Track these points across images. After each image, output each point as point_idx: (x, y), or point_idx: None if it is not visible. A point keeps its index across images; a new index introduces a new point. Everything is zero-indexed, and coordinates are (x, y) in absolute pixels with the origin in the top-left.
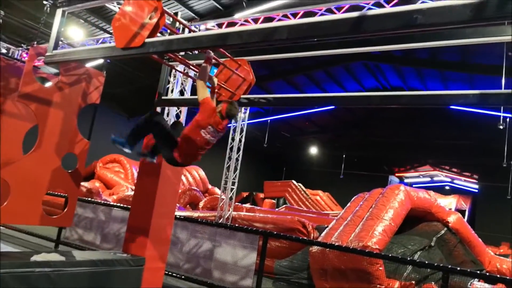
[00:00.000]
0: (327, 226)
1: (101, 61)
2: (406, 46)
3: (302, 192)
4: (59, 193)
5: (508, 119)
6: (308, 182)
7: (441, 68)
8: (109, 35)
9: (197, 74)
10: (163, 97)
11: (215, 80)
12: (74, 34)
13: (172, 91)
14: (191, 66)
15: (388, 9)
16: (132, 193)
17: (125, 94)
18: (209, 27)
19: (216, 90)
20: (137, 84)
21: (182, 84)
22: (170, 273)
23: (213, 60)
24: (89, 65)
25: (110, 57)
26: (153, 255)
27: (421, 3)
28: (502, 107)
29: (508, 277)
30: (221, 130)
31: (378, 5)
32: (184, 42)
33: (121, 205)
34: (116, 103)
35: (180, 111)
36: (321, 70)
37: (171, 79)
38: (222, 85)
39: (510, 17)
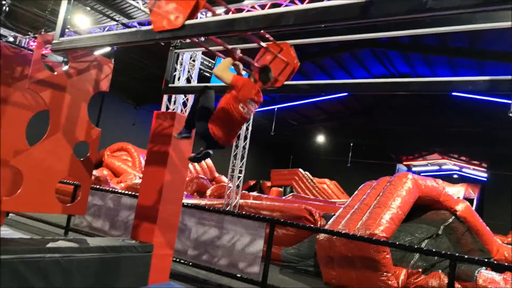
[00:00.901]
0: (334, 214)
1: (107, 49)
2: (414, 32)
3: (309, 181)
4: (66, 181)
5: None
6: (315, 170)
7: (450, 55)
8: (115, 23)
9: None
10: (170, 85)
11: (240, 66)
12: (80, 22)
13: (179, 78)
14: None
15: None
16: (140, 181)
17: (132, 82)
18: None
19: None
20: (144, 72)
21: (188, 71)
22: (178, 260)
23: (239, 55)
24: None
25: (132, 43)
26: (161, 242)
27: None
28: None
29: None
30: (259, 99)
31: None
32: (191, 28)
33: (129, 192)
34: (123, 91)
35: (187, 99)
36: (328, 57)
37: (178, 66)
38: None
39: None
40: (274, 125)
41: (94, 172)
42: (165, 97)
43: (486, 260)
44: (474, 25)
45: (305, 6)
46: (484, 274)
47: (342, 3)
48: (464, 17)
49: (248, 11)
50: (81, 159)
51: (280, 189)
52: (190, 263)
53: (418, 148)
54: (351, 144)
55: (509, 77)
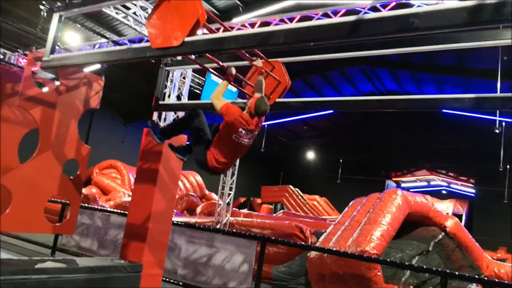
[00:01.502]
0: (325, 231)
1: (98, 66)
2: (402, 50)
3: (300, 197)
4: (54, 199)
5: (504, 123)
6: (306, 187)
7: (437, 72)
8: (106, 40)
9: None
10: (160, 102)
11: (233, 69)
12: (70, 39)
13: (169, 96)
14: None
15: (384, 13)
16: (129, 199)
17: (121, 99)
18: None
19: (249, 94)
20: (134, 89)
21: (179, 89)
22: (167, 279)
23: (234, 75)
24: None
25: (123, 61)
26: (150, 261)
27: (417, 7)
28: (498, 111)
29: (506, 282)
30: (255, 129)
31: (375, 9)
32: (181, 46)
33: (118, 211)
34: (113, 108)
35: (178, 116)
36: (317, 75)
37: (168, 83)
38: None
39: (506, 20)
40: (264, 141)
41: (83, 190)
42: (155, 114)
43: (476, 276)
44: (459, 43)
45: (295, 25)
46: None
47: (331, 22)
48: (450, 36)
49: (238, 29)
50: (71, 177)
51: (271, 206)
52: (180, 283)
53: (407, 164)
54: (341, 160)
55: (494, 94)
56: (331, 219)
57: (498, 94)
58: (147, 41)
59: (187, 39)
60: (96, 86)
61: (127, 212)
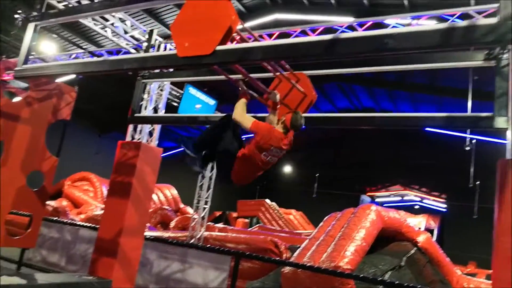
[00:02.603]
0: (300, 246)
1: (72, 76)
2: (377, 69)
3: (275, 211)
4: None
5: (474, 141)
6: (282, 201)
7: (411, 90)
8: (82, 51)
9: (272, 94)
10: (136, 115)
11: (277, 96)
12: (46, 48)
13: (145, 108)
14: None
15: (360, 32)
16: (101, 212)
17: (97, 110)
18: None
19: (277, 106)
20: (109, 100)
21: (156, 101)
22: None
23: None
24: (60, 80)
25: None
26: (120, 277)
27: (392, 27)
28: (468, 129)
29: None
30: (286, 146)
31: (351, 28)
32: (159, 60)
33: (89, 224)
34: (87, 119)
35: (153, 128)
36: None
37: (145, 96)
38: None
39: (477, 43)
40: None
41: (53, 203)
42: (131, 126)
43: None
44: (432, 64)
45: (273, 42)
46: None
47: (309, 40)
48: (423, 56)
49: None
50: (35, 189)
51: (247, 220)
52: None
53: (382, 180)
54: (317, 175)
55: (464, 114)
56: (306, 234)
57: (469, 113)
58: (125, 53)
59: (164, 53)
60: (68, 97)
61: (98, 226)
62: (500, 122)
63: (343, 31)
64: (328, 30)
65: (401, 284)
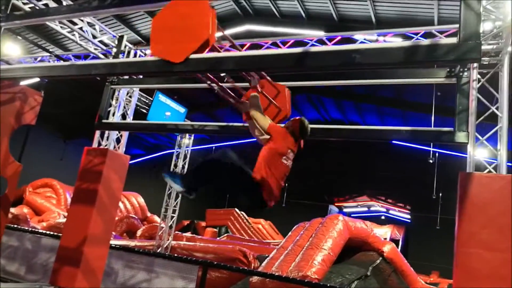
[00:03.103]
0: (268, 256)
1: (37, 79)
2: (346, 83)
3: (245, 221)
4: None
5: (437, 154)
6: (251, 210)
7: (378, 104)
8: (48, 54)
9: (244, 105)
10: (104, 121)
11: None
12: (10, 50)
13: (113, 114)
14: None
15: (329, 47)
16: (64, 220)
17: (62, 115)
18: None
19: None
20: (76, 105)
21: (124, 108)
22: None
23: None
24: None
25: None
26: (83, 287)
27: (360, 43)
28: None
29: None
30: (296, 151)
31: (321, 42)
32: (128, 66)
33: (51, 232)
34: (52, 124)
35: (121, 135)
36: None
37: (113, 102)
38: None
39: (439, 61)
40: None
41: (13, 210)
42: (98, 132)
43: None
44: (398, 79)
45: (244, 53)
46: None
47: (279, 52)
48: (390, 72)
49: None
50: None
51: (215, 229)
52: None
53: (349, 190)
54: (286, 185)
55: (428, 128)
56: (275, 243)
57: (431, 128)
58: (93, 57)
59: (134, 59)
60: (32, 101)
61: (61, 234)
62: (460, 136)
63: (313, 45)
64: (298, 43)
65: None
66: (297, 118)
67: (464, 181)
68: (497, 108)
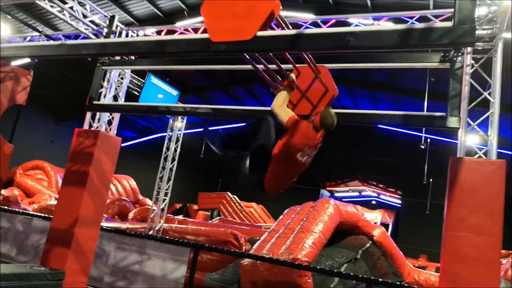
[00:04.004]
0: (259, 239)
1: (27, 60)
2: (339, 66)
3: (237, 204)
4: None
5: (429, 140)
6: (244, 194)
7: (372, 89)
8: (38, 34)
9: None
10: (95, 102)
11: (294, 77)
12: None
13: (105, 96)
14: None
15: (323, 29)
16: (55, 202)
17: (53, 96)
18: (148, 34)
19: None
20: (67, 86)
21: (116, 89)
22: (93, 287)
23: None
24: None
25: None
26: (74, 269)
27: (354, 26)
28: (424, 129)
29: None
30: (317, 145)
31: (316, 25)
32: (121, 46)
33: (42, 214)
34: (43, 105)
35: (113, 117)
36: (258, 84)
37: (105, 83)
38: (303, 95)
39: (433, 45)
40: (204, 147)
41: (3, 191)
42: (89, 114)
43: (398, 283)
44: (392, 63)
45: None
46: None
47: (273, 33)
48: (384, 56)
49: (181, 33)
50: None
51: (207, 212)
52: None
53: (341, 175)
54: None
55: (420, 113)
56: (266, 227)
57: (424, 112)
58: (84, 37)
59: (127, 39)
60: (24, 81)
61: (51, 216)
62: (452, 121)
63: (307, 27)
64: (293, 25)
65: (356, 275)
66: (321, 110)
67: (455, 166)
68: (489, 94)
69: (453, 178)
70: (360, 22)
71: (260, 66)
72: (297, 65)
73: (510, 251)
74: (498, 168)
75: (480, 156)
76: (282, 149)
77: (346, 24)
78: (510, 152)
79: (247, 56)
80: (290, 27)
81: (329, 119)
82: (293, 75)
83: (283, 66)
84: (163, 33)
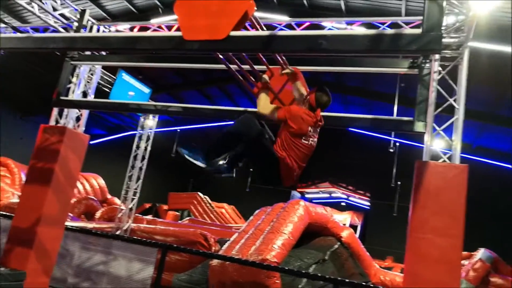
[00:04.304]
0: (229, 239)
1: None
2: (312, 69)
3: (208, 205)
4: None
5: (398, 144)
6: (215, 194)
7: (344, 92)
8: (4, 25)
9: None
10: (63, 98)
11: (266, 78)
12: None
13: (73, 91)
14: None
15: (296, 32)
16: (18, 200)
17: (18, 90)
18: (120, 30)
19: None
20: (33, 80)
21: (85, 85)
22: None
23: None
24: None
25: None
26: (36, 269)
27: (328, 30)
28: (393, 133)
29: None
30: (319, 124)
31: (290, 27)
32: (90, 41)
33: (3, 212)
34: (8, 100)
35: (81, 114)
36: (233, 84)
37: (74, 79)
38: (275, 96)
39: (402, 51)
40: (176, 146)
41: None
42: (56, 110)
43: (364, 283)
44: (363, 68)
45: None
46: None
47: (247, 34)
48: (356, 60)
49: (154, 30)
50: None
51: (177, 213)
52: None
53: (312, 176)
54: (251, 169)
55: (389, 117)
56: (236, 227)
57: (392, 117)
58: (53, 31)
59: (96, 34)
60: None
61: (13, 215)
62: (419, 126)
63: (281, 29)
64: (267, 27)
65: (323, 276)
66: (314, 88)
67: (420, 169)
68: (455, 100)
69: (418, 181)
70: (333, 26)
71: (234, 67)
72: (271, 67)
73: (472, 253)
74: (461, 172)
75: (444, 161)
76: (285, 140)
77: (320, 27)
78: (473, 157)
79: (220, 56)
80: (264, 28)
81: (324, 97)
82: (266, 76)
83: (258, 67)
84: (135, 30)
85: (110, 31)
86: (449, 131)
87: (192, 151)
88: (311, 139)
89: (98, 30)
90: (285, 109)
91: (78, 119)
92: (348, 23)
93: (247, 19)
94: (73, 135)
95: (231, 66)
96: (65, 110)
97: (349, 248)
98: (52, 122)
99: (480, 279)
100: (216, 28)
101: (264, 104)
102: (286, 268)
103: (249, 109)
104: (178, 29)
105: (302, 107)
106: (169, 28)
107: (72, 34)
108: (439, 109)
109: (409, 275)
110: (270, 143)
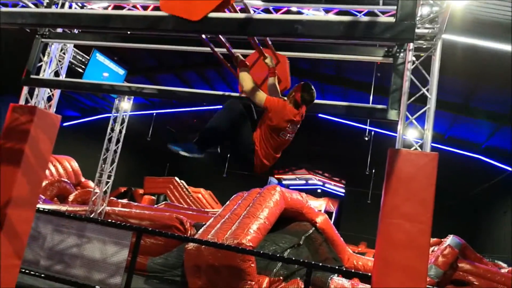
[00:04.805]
0: (205, 224)
1: None
2: (289, 54)
3: (184, 189)
4: None
5: (373, 132)
6: (192, 179)
7: (320, 80)
8: None
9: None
10: (33, 76)
11: (270, 61)
12: None
13: (44, 70)
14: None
15: (272, 15)
16: None
17: None
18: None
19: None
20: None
21: (57, 64)
22: (27, 271)
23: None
24: None
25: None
26: (6, 252)
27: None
28: (368, 121)
29: (361, 272)
30: (299, 121)
31: (268, 11)
32: (60, 17)
33: None
34: None
35: (53, 94)
36: (211, 69)
37: (45, 58)
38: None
39: (375, 38)
40: (152, 130)
41: None
42: (25, 89)
43: (337, 267)
44: (339, 55)
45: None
46: (336, 281)
47: (224, 16)
48: (332, 47)
49: (129, 9)
50: None
51: (153, 197)
52: (42, 275)
53: (289, 163)
54: (228, 155)
55: (362, 104)
56: (213, 212)
57: (367, 104)
58: (23, 6)
59: (66, 10)
60: None
61: None
62: (392, 114)
63: (258, 13)
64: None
65: (297, 260)
66: (299, 84)
67: (392, 157)
68: (427, 90)
69: (390, 168)
70: (311, 12)
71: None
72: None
73: (441, 239)
74: (431, 160)
75: (416, 149)
76: (264, 133)
77: (298, 13)
78: (445, 147)
79: (203, 37)
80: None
81: (309, 95)
82: (239, 55)
83: (245, 51)
84: (110, 8)
85: (82, 8)
86: (422, 121)
87: (184, 146)
88: (288, 134)
89: (70, 7)
90: (271, 101)
91: (49, 99)
92: (326, 10)
93: (229, 4)
94: (43, 115)
95: (216, 50)
96: (36, 89)
97: (324, 233)
98: (22, 102)
99: (448, 265)
100: (194, 8)
101: (251, 85)
102: (261, 252)
103: (226, 93)
104: (154, 10)
105: (287, 103)
106: (145, 8)
107: (41, 9)
108: (412, 98)
109: (379, 259)
110: (250, 131)
